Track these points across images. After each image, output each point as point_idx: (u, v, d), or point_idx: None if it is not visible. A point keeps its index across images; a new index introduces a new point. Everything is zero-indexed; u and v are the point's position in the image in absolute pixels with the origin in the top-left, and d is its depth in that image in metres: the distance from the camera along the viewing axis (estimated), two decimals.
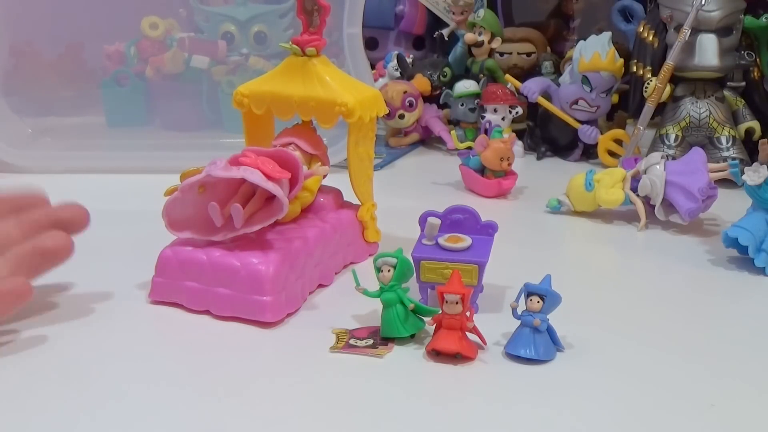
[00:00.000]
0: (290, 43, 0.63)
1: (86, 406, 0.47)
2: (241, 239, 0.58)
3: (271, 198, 0.58)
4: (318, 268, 0.61)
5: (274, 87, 0.63)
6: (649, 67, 0.90)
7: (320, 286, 0.62)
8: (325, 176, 0.64)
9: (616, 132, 0.92)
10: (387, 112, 0.68)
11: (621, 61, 0.91)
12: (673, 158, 0.83)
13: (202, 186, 0.58)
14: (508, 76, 0.96)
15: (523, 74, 1.00)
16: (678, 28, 0.86)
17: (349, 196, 0.67)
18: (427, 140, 1.02)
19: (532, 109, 0.98)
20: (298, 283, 0.59)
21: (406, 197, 0.81)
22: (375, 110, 0.64)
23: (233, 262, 0.56)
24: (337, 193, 0.67)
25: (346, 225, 0.65)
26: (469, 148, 0.86)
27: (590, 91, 0.91)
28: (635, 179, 0.75)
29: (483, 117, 0.95)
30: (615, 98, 0.94)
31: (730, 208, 0.72)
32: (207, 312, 0.57)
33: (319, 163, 0.63)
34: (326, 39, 0.63)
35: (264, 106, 0.64)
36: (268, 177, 0.56)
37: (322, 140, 0.64)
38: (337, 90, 0.62)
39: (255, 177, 0.56)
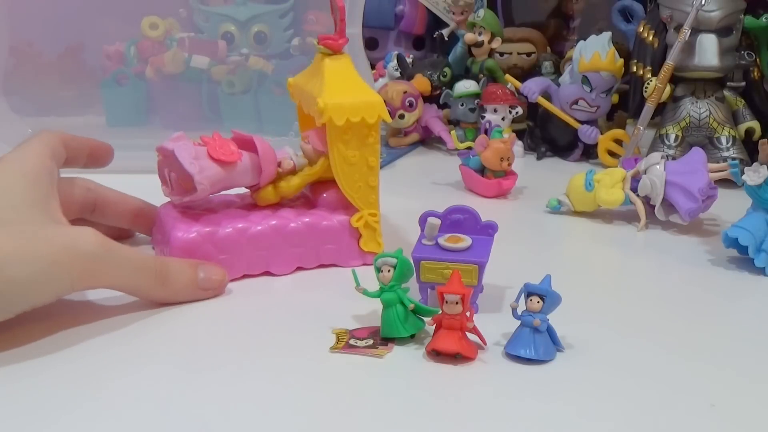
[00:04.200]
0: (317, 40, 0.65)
1: (83, 404, 0.47)
2: (208, 209, 0.64)
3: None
4: (262, 254, 0.63)
5: (302, 80, 0.67)
6: (649, 67, 0.90)
7: (267, 273, 0.63)
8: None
9: (616, 132, 0.92)
10: (381, 119, 0.67)
11: (621, 61, 0.91)
12: (673, 158, 0.83)
13: None
14: (508, 76, 0.96)
15: (523, 74, 1.00)
16: (678, 28, 0.86)
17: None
18: (427, 140, 1.02)
19: (532, 109, 0.98)
20: (224, 260, 0.62)
21: (406, 197, 0.81)
22: (361, 115, 0.62)
23: (167, 223, 0.63)
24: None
25: (329, 225, 0.65)
26: (469, 148, 0.86)
27: (590, 91, 0.91)
28: (635, 179, 0.75)
29: (483, 117, 0.95)
30: (615, 98, 0.94)
31: (730, 208, 0.72)
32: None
33: (315, 160, 0.65)
34: (344, 39, 0.64)
35: (298, 98, 0.68)
36: (211, 158, 0.61)
37: None
38: (325, 90, 0.62)
39: (182, 155, 0.60)
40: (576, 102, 0.92)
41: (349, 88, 0.63)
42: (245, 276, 0.63)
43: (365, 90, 0.64)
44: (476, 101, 0.97)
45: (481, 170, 0.83)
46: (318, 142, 0.64)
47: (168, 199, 0.65)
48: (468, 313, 0.52)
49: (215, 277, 0.60)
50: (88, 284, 0.54)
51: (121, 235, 0.68)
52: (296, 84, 0.68)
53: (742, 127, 0.89)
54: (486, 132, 0.84)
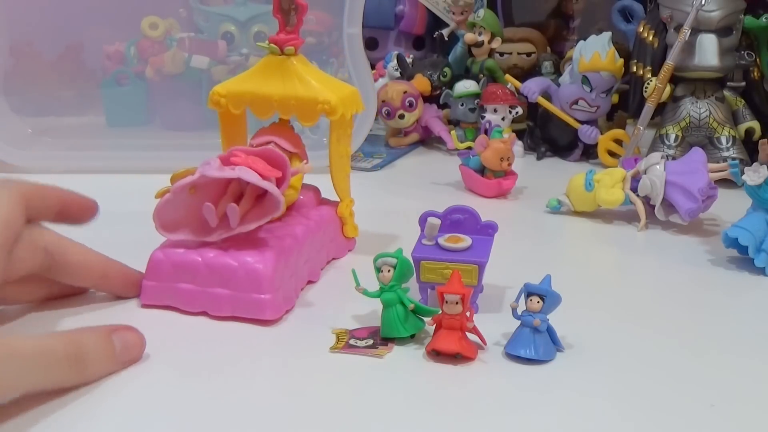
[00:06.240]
0: (267, 42, 0.63)
1: (83, 407, 0.47)
2: (232, 239, 0.58)
3: (261, 196, 0.58)
4: (307, 265, 0.62)
5: (253, 86, 0.63)
6: (649, 67, 0.90)
7: (309, 282, 0.62)
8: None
9: (616, 132, 0.92)
10: (365, 109, 0.68)
11: (621, 61, 0.91)
12: (673, 158, 0.83)
13: (193, 187, 0.58)
14: (508, 76, 0.96)
15: (523, 74, 1.00)
16: (678, 28, 0.86)
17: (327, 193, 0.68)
18: (427, 140, 1.02)
19: (532, 109, 0.98)
20: (292, 280, 0.59)
21: (406, 197, 0.81)
22: (354, 107, 0.65)
23: (230, 262, 0.56)
24: (316, 191, 0.67)
25: (327, 221, 0.65)
26: (469, 148, 0.86)
27: (590, 91, 0.91)
28: (635, 179, 0.75)
29: (483, 117, 0.95)
30: (615, 98, 0.94)
31: (730, 208, 0.72)
32: (203, 313, 0.57)
33: (305, 162, 0.64)
34: (303, 38, 0.63)
35: (242, 106, 0.64)
36: (261, 175, 0.56)
37: (300, 138, 0.65)
38: (318, 88, 0.62)
39: (251, 177, 0.56)
40: (576, 102, 0.92)
41: (330, 84, 0.64)
42: None
43: (341, 84, 0.66)
44: (476, 101, 0.97)
45: (481, 170, 0.83)
46: (289, 144, 0.63)
47: (159, 243, 0.59)
48: (468, 313, 0.52)
49: (133, 343, 0.51)
50: None
51: (74, 292, 0.59)
52: (236, 91, 0.63)
53: (742, 127, 0.89)
54: (486, 132, 0.84)
